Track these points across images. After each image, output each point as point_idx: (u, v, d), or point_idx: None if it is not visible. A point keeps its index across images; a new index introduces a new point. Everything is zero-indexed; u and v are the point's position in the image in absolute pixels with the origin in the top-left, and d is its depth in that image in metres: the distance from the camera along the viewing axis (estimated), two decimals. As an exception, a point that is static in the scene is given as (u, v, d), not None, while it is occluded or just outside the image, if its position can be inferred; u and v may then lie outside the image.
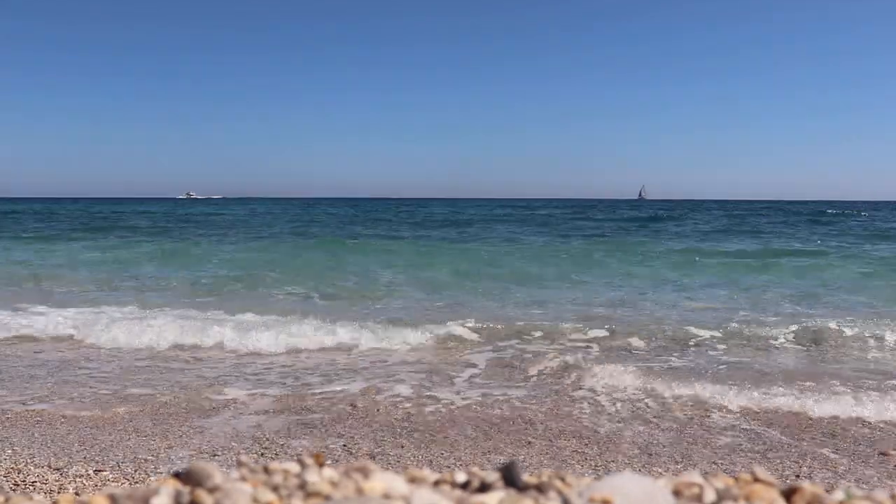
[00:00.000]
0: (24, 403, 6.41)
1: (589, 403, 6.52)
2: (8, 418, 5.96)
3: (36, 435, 5.54)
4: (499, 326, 9.71)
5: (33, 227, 34.89)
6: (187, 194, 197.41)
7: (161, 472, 4.80)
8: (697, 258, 19.68)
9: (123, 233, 30.94)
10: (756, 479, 0.91)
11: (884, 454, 5.30)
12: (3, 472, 4.69)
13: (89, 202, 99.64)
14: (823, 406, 6.33)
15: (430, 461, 5.15)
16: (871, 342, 9.01)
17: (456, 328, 9.48)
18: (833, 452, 5.35)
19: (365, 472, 0.88)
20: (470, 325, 9.67)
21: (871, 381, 7.22)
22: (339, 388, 7.03)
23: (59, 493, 4.34)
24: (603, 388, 6.94)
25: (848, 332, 9.35)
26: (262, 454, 5.24)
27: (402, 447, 5.44)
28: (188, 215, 51.55)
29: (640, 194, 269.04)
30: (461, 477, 0.90)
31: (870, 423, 6.01)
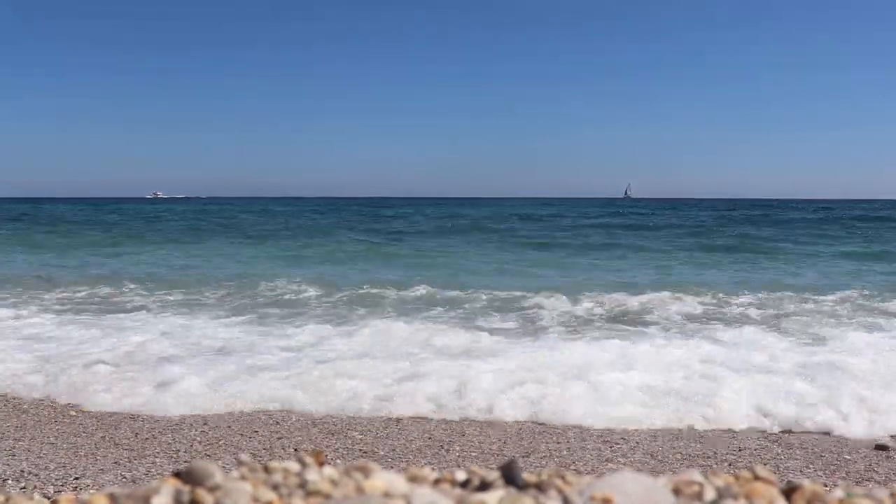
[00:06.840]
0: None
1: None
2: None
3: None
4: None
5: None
6: (154, 194, 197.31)
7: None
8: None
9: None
10: (756, 478, 0.90)
11: (881, 448, 5.31)
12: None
13: (22, 202, 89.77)
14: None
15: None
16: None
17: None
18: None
19: (365, 471, 0.88)
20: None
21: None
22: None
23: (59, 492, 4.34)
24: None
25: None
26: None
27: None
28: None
29: (625, 193, 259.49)
30: (461, 475, 0.90)
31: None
